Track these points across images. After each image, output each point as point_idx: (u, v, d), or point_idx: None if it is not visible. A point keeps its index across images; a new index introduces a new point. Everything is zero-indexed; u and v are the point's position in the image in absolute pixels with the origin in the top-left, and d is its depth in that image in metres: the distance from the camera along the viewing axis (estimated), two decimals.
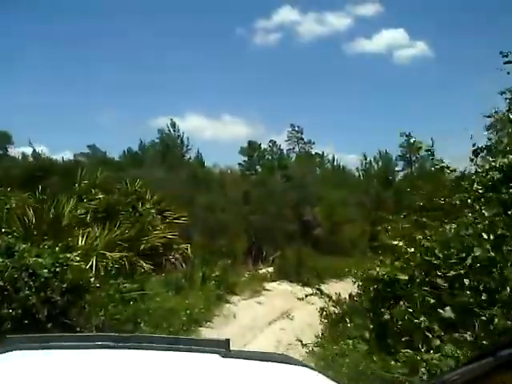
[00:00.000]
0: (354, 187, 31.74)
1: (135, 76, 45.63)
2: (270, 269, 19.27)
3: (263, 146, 41.18)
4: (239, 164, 44.26)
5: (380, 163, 33.53)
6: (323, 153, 36.88)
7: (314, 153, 36.01)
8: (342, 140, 55.07)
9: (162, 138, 31.48)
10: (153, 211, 11.27)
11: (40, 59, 43.69)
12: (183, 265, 12.54)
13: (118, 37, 50.46)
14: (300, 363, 1.56)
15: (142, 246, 10.12)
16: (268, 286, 14.62)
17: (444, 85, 45.52)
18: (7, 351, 1.41)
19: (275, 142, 40.99)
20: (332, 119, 49.83)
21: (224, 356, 1.46)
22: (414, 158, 37.68)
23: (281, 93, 49.88)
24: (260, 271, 19.99)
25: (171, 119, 32.11)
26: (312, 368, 1.58)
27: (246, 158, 44.51)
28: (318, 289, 8.66)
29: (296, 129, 41.99)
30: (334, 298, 8.83)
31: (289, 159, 35.66)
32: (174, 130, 32.25)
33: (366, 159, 33.78)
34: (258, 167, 40.70)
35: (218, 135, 49.82)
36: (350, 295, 9.08)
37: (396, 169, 33.93)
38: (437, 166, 6.57)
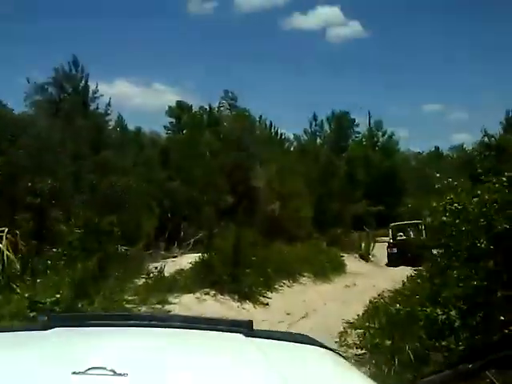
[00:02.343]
0: (301, 153, 26.12)
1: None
2: (188, 259, 12.97)
3: (194, 110, 34.35)
4: (165, 127, 37.37)
5: (332, 125, 27.92)
6: (261, 116, 30.66)
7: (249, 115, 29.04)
8: (278, 113, 50.97)
9: (55, 78, 23.62)
10: None
11: None
12: None
13: None
14: (320, 344, 1.55)
15: None
16: (179, 304, 7.98)
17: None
18: (51, 327, 1.51)
19: (206, 108, 34.24)
20: (267, 92, 46.36)
21: (247, 335, 1.47)
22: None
23: (216, 63, 45.85)
24: (174, 260, 13.86)
25: (73, 55, 24.24)
26: (332, 349, 1.59)
27: (173, 120, 37.72)
28: None
29: (230, 95, 35.55)
30: None
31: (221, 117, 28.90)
32: (77, 71, 24.47)
33: (315, 120, 28.11)
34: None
35: (147, 103, 43.82)
36: None
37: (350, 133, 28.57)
38: None
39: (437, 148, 44.94)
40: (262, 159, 21.27)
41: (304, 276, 12.06)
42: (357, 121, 32.20)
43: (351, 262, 17.40)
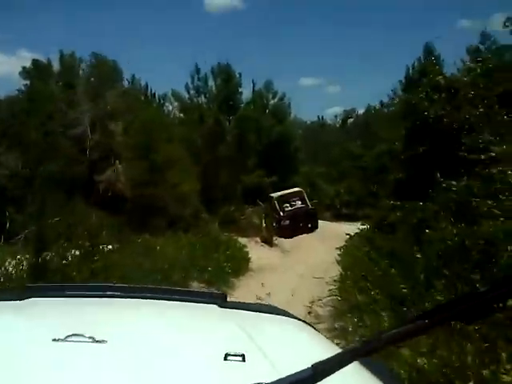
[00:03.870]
0: (183, 113, 21.04)
1: None
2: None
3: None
4: (18, 90, 29.85)
5: (219, 80, 22.79)
6: (134, 76, 24.29)
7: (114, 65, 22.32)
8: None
9: None
10: None
11: None
12: None
13: None
14: (293, 316, 1.58)
15: None
16: None
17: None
18: (26, 298, 1.48)
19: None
20: (144, 57, 44.45)
21: (221, 306, 1.50)
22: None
23: (88, 26, 40.71)
24: None
25: None
26: (304, 321, 1.59)
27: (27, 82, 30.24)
28: None
29: (98, 57, 28.82)
30: None
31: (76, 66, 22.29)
32: None
33: (198, 73, 22.68)
34: None
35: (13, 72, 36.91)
36: None
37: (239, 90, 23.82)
38: None
39: (320, 117, 44.04)
40: (130, 119, 15.91)
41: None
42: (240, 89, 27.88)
43: (253, 249, 13.19)
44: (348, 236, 15.45)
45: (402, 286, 6.34)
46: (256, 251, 12.91)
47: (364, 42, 49.08)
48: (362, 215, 21.58)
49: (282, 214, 17.92)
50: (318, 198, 26.81)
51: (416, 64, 28.80)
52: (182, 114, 22.62)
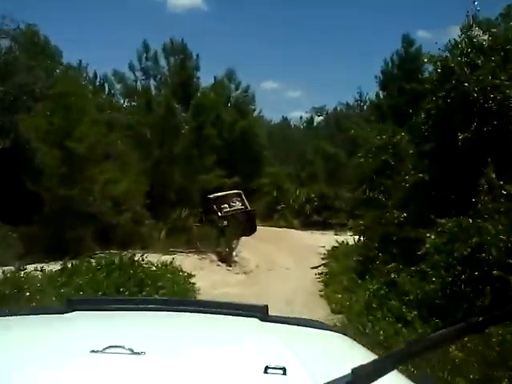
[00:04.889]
0: (128, 98, 17.36)
1: None
2: None
3: None
4: None
5: (172, 61, 18.96)
6: (81, 61, 20.04)
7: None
8: None
9: None
10: None
11: None
12: None
13: None
14: (336, 330, 1.53)
15: None
16: None
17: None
18: (68, 311, 1.47)
19: None
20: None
21: (262, 320, 1.46)
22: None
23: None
24: None
25: None
26: (348, 335, 1.55)
27: None
28: None
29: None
30: None
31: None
32: None
33: (147, 52, 18.58)
34: None
35: None
36: None
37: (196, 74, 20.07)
38: None
39: (285, 118, 41.46)
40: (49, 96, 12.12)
41: None
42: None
43: (206, 270, 9.84)
44: (324, 250, 12.63)
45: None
46: (210, 275, 9.53)
47: (321, 51, 48.13)
48: (335, 223, 19.05)
49: (219, 214, 16.98)
50: (285, 202, 23.76)
51: (395, 58, 26.24)
52: (127, 100, 18.94)
